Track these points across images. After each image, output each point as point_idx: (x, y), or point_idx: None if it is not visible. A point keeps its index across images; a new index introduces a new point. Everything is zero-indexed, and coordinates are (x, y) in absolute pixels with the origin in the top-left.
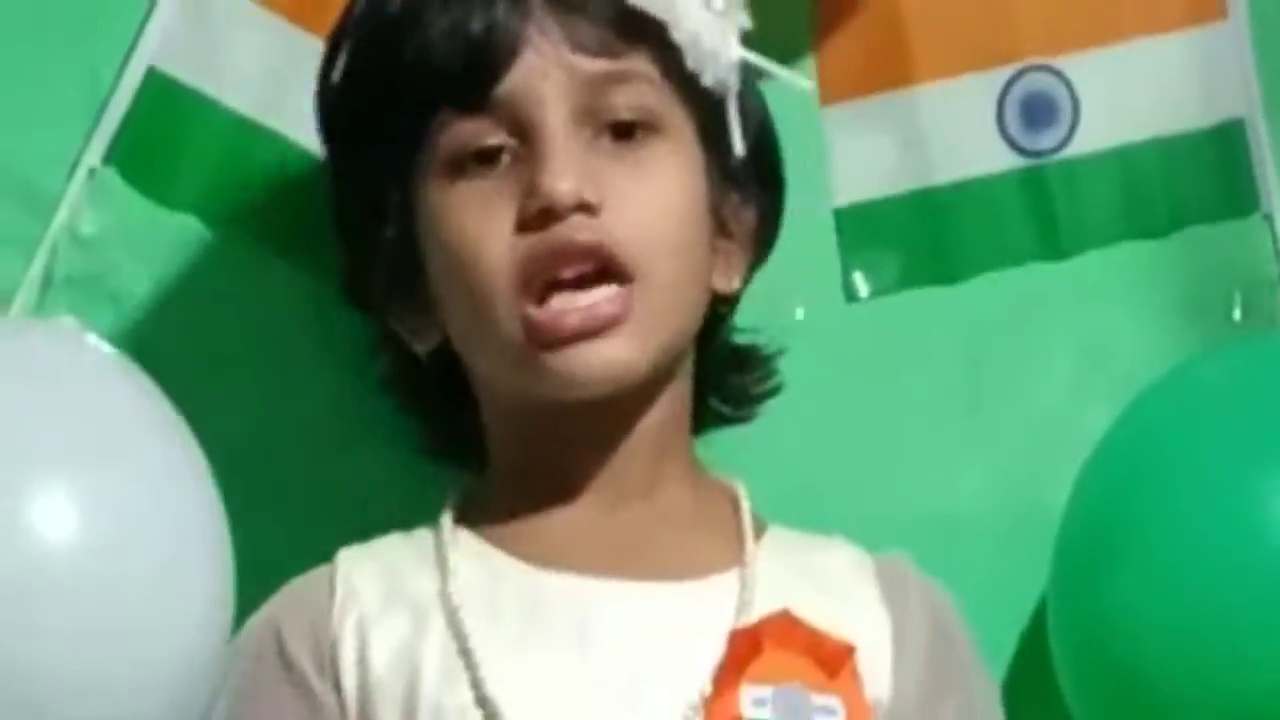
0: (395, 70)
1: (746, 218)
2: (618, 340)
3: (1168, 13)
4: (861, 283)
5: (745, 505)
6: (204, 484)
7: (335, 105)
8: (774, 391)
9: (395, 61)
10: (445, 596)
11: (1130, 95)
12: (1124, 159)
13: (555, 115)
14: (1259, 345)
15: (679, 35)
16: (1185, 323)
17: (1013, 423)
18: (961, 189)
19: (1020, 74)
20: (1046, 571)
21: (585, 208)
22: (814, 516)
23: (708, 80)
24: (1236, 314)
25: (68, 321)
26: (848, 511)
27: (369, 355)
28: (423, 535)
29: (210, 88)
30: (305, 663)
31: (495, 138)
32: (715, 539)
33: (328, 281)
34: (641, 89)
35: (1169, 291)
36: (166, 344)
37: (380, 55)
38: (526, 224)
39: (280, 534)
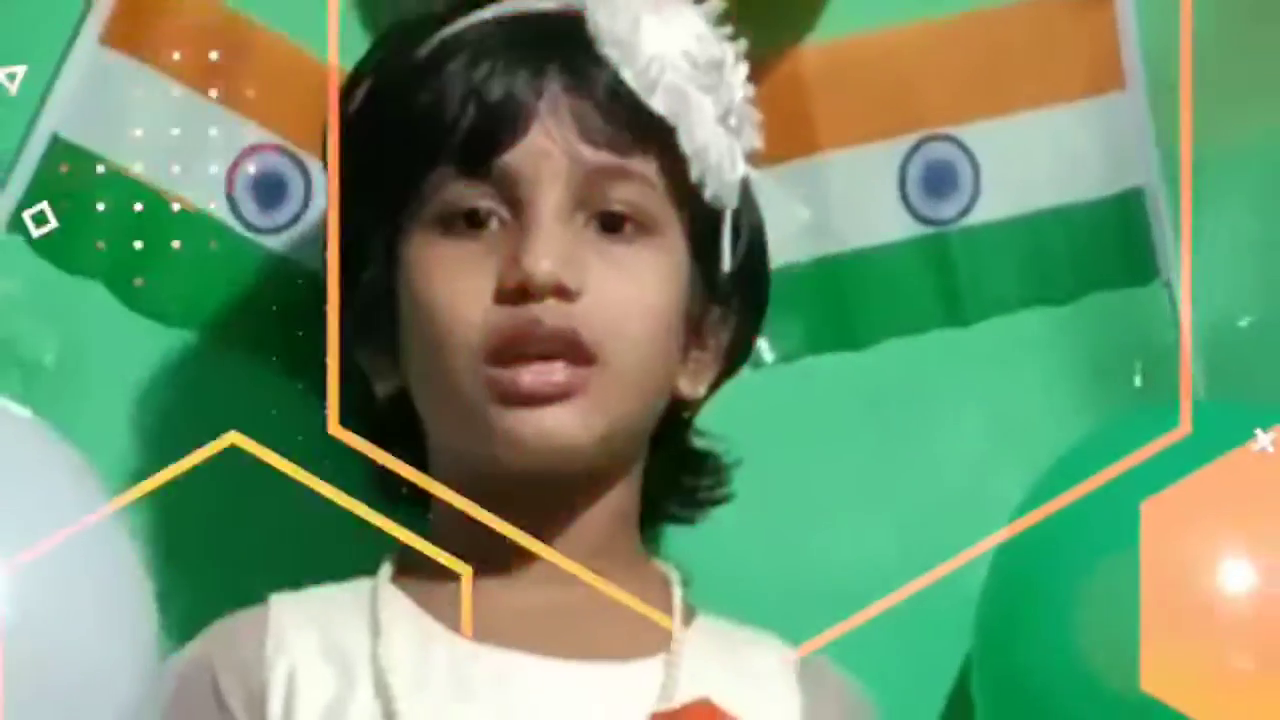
0: (404, 119)
1: (723, 333)
2: (567, 412)
3: (1068, 83)
4: (766, 349)
5: (677, 592)
6: (126, 549)
7: (341, 138)
8: (724, 499)
9: (406, 110)
10: (375, 659)
11: (1030, 164)
12: (1025, 227)
13: (549, 197)
14: (1164, 415)
15: (688, 145)
16: (1088, 389)
17: (920, 488)
18: (864, 257)
19: (921, 143)
20: (961, 638)
21: (562, 292)
22: (719, 582)
23: (708, 194)
24: (1137, 380)
25: None
26: (755, 577)
27: (286, 406)
28: (358, 589)
29: (115, 155)
30: (236, 704)
31: (487, 202)
32: (645, 624)
33: (233, 345)
34: (640, 189)
35: (1072, 358)
36: (72, 409)
37: (394, 101)
38: (502, 296)
39: (211, 584)
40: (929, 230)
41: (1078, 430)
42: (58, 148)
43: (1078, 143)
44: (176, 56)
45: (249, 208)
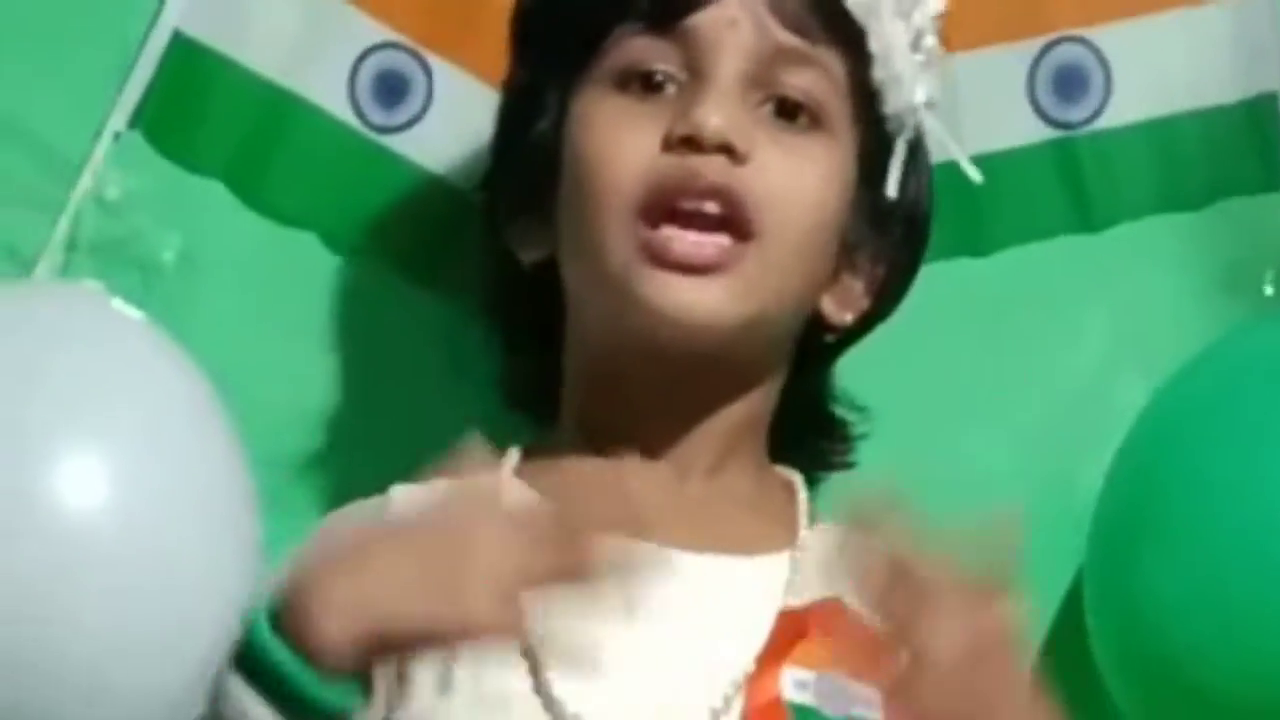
0: None
1: (877, 268)
2: (713, 286)
3: None
4: None
5: (802, 494)
6: (231, 452)
7: (528, 3)
8: (848, 467)
9: None
10: None
11: (1162, 67)
12: (1156, 131)
13: (730, 66)
14: None
15: (874, 44)
16: (1217, 297)
17: (1043, 397)
18: (992, 160)
19: (1052, 45)
20: (1080, 546)
21: (729, 151)
22: (837, 489)
23: (888, 107)
24: (1268, 289)
25: (92, 286)
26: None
27: (407, 307)
28: (480, 481)
29: (237, 52)
30: None
31: (667, 64)
32: (770, 521)
33: (353, 246)
34: (820, 79)
35: (1201, 265)
36: (191, 309)
37: None
38: (668, 146)
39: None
40: (1058, 134)
41: (1206, 339)
42: (179, 44)
43: (1210, 45)
44: None
45: (370, 106)
